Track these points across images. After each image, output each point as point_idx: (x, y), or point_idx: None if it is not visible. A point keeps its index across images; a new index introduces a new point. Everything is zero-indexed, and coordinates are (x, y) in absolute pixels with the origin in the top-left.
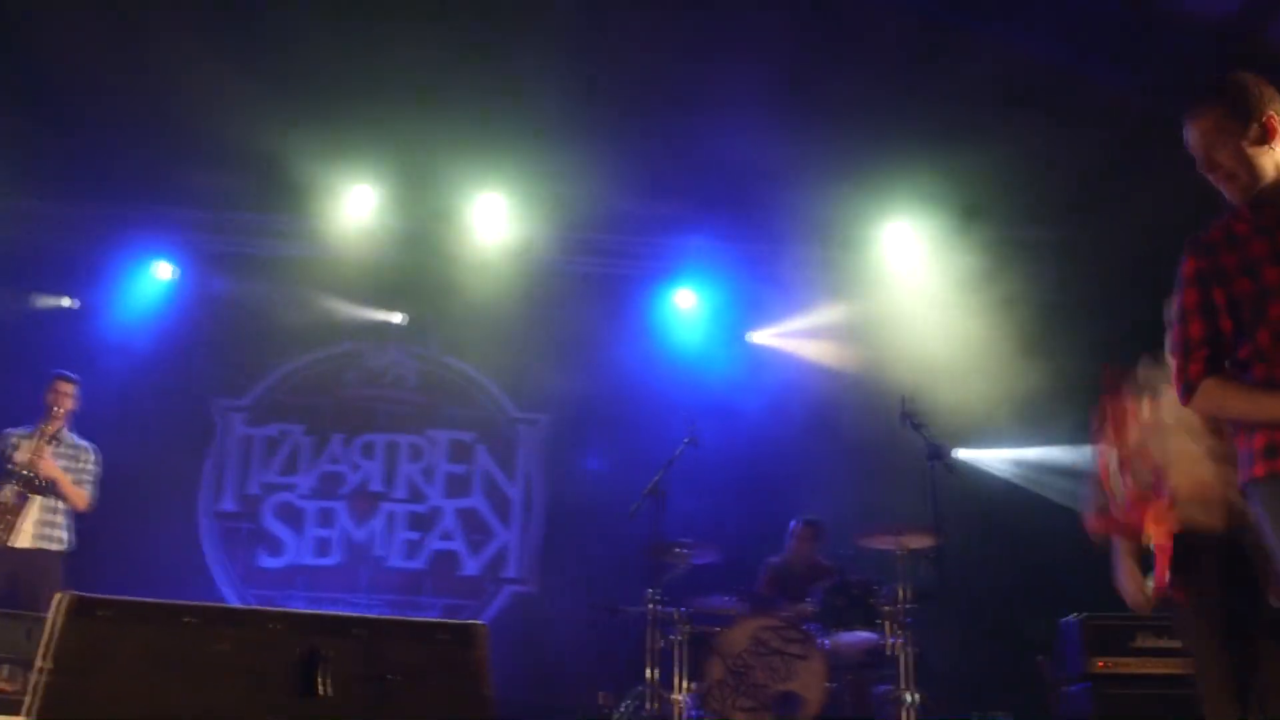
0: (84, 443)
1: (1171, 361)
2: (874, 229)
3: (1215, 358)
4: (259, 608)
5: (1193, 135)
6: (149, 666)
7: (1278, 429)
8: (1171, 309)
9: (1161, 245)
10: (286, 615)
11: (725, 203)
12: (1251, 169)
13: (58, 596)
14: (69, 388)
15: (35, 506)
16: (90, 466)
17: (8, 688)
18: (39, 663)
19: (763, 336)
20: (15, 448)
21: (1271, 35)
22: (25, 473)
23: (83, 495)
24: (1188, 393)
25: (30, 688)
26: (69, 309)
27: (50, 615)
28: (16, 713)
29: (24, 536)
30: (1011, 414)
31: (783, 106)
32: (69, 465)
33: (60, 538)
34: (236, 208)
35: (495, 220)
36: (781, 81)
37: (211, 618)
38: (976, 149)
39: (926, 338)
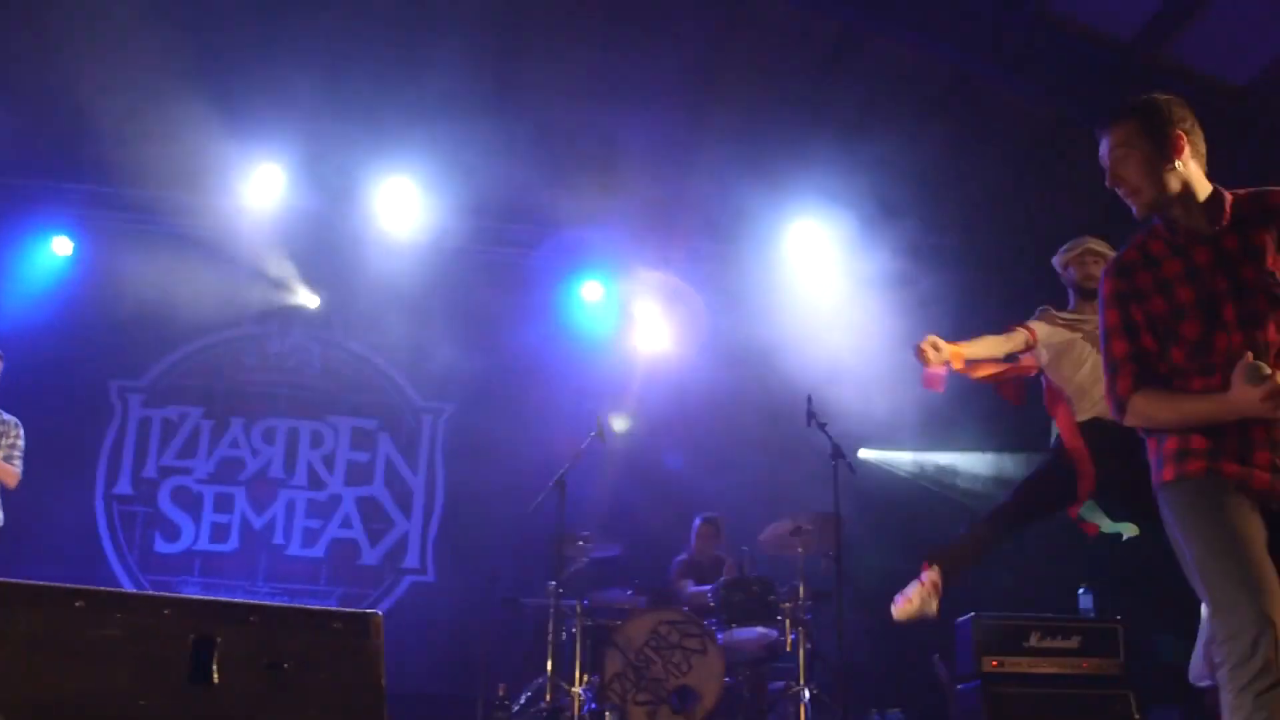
0: (9, 417)
1: (1105, 381)
2: (781, 226)
3: (1142, 373)
4: (152, 593)
5: (1103, 148)
6: (39, 651)
7: (1189, 434)
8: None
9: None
10: (179, 601)
11: (634, 196)
12: (1158, 185)
13: None
14: None
15: None
16: (18, 442)
17: None
18: None
19: (671, 331)
20: None
21: (1171, 52)
22: None
23: (10, 471)
24: (1120, 410)
25: None
26: None
27: None
28: None
29: None
30: (916, 417)
31: (693, 102)
32: None
33: None
34: (138, 184)
35: (403, 205)
36: (692, 77)
37: (102, 602)
38: (885, 151)
39: (833, 337)
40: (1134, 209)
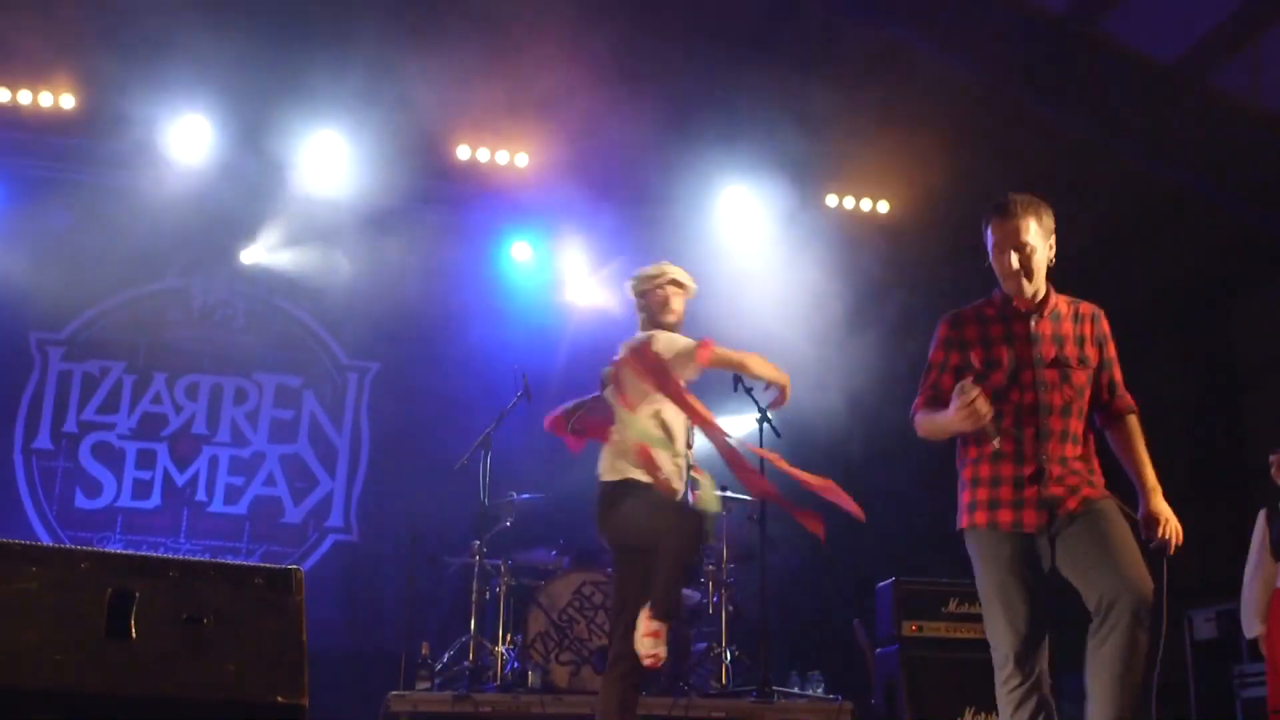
0: None
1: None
2: (710, 192)
3: (934, 400)
4: (69, 546)
5: (1027, 224)
6: None
7: (976, 489)
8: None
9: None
10: (96, 554)
11: (565, 156)
12: (1041, 276)
13: None
14: None
15: None
16: None
17: None
18: None
19: (595, 292)
20: None
21: (1101, 28)
22: None
23: None
24: (913, 420)
25: None
26: None
27: None
28: None
29: None
30: (840, 383)
31: (626, 61)
32: None
33: None
34: (61, 132)
35: (330, 160)
36: (624, 37)
37: (17, 555)
38: (817, 119)
39: (763, 304)
40: (1011, 283)
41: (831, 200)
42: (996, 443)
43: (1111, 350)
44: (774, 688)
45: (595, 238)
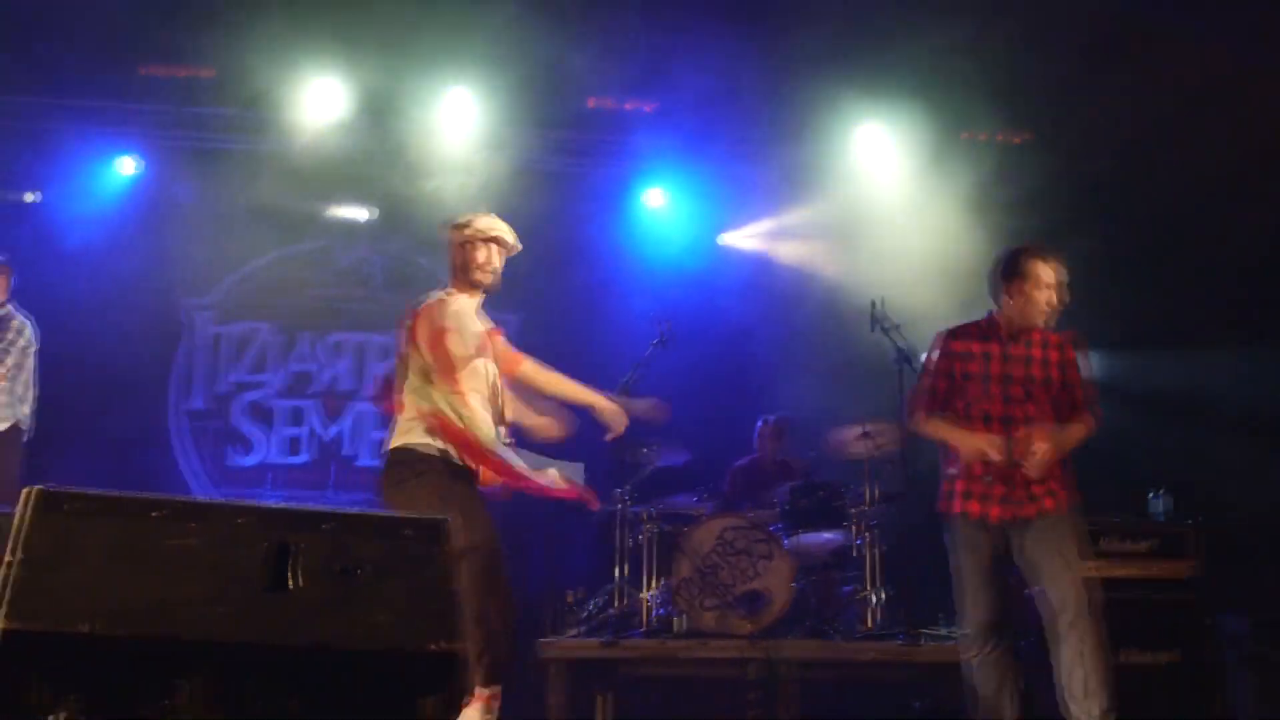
0: (14, 314)
1: (908, 403)
2: (848, 129)
3: (933, 403)
4: (227, 501)
5: (1063, 273)
6: (117, 560)
7: (955, 481)
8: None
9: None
10: (255, 509)
11: (697, 100)
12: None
13: (25, 491)
14: None
15: None
16: (18, 340)
17: None
18: (8, 556)
19: (733, 237)
20: None
21: None
22: None
23: None
24: (913, 422)
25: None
26: (31, 204)
27: (18, 509)
28: None
29: None
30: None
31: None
32: None
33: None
34: (200, 102)
35: (464, 116)
36: None
37: (180, 511)
38: (952, 51)
39: (900, 240)
40: (1036, 317)
41: (969, 134)
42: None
43: (1075, 373)
44: (921, 630)
45: (728, 182)
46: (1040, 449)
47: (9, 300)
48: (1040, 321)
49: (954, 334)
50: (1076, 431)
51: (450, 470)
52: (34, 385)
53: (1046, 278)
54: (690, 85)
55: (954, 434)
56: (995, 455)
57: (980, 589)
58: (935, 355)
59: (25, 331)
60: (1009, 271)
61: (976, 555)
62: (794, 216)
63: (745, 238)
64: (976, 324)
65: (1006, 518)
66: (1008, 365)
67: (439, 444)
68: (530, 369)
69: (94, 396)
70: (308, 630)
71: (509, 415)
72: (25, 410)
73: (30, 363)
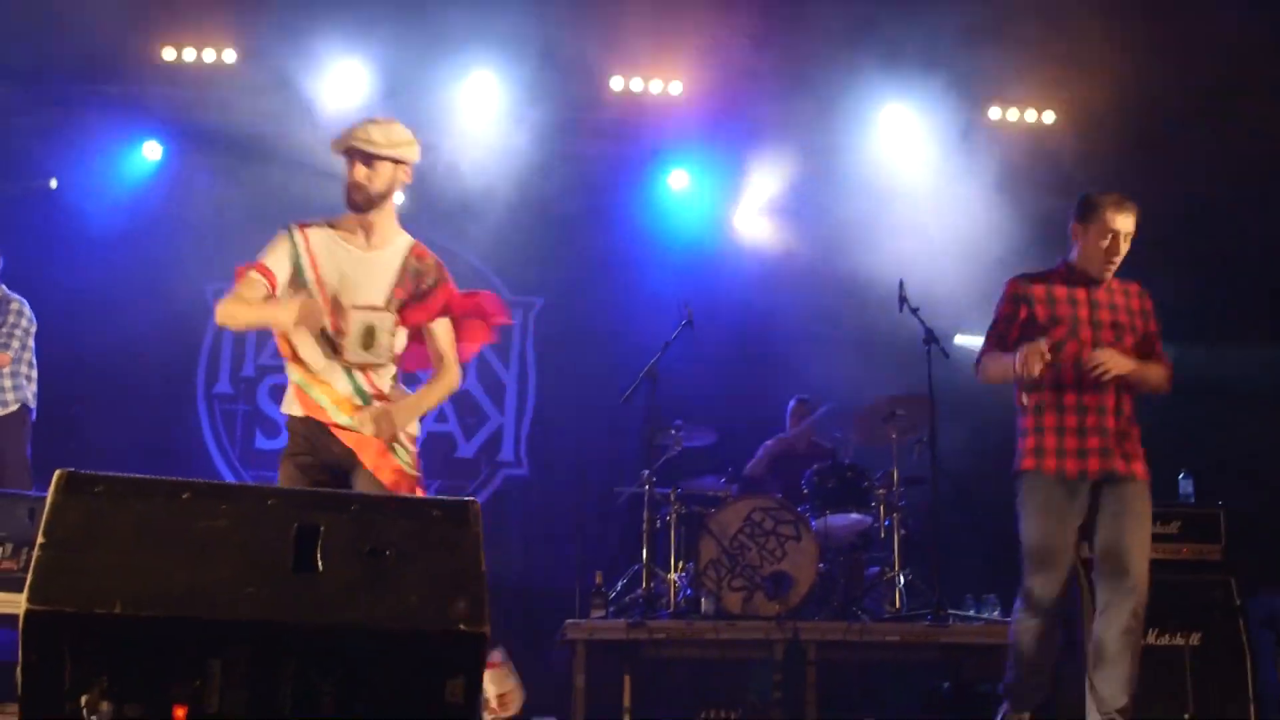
0: (11, 296)
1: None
2: (873, 108)
3: (995, 345)
4: (255, 484)
5: (1129, 224)
6: (145, 542)
7: (1040, 435)
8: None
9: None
10: (283, 491)
11: (720, 83)
12: None
13: (56, 473)
14: None
15: None
16: (21, 321)
17: (12, 566)
18: (38, 539)
19: (757, 217)
20: None
21: None
22: None
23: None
24: (976, 364)
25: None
26: (54, 190)
27: (49, 492)
28: (20, 590)
29: None
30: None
31: None
32: None
33: (4, 400)
34: (222, 86)
35: (486, 98)
36: None
37: (207, 493)
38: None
39: (927, 220)
40: (1104, 267)
41: (995, 113)
42: (1025, 398)
43: (1154, 324)
44: (948, 611)
45: (753, 163)
46: (1109, 354)
47: None
48: (1097, 270)
49: (1026, 279)
50: (1156, 370)
51: None
52: (34, 366)
53: (1115, 227)
54: (713, 66)
55: (1001, 360)
56: (1043, 348)
57: (1052, 555)
58: (1003, 304)
59: (25, 311)
60: (1080, 213)
61: (1056, 518)
62: (818, 197)
63: (768, 217)
64: (1054, 270)
65: (1104, 469)
66: (1096, 310)
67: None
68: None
69: (122, 382)
70: (336, 611)
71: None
72: (32, 391)
73: (31, 343)
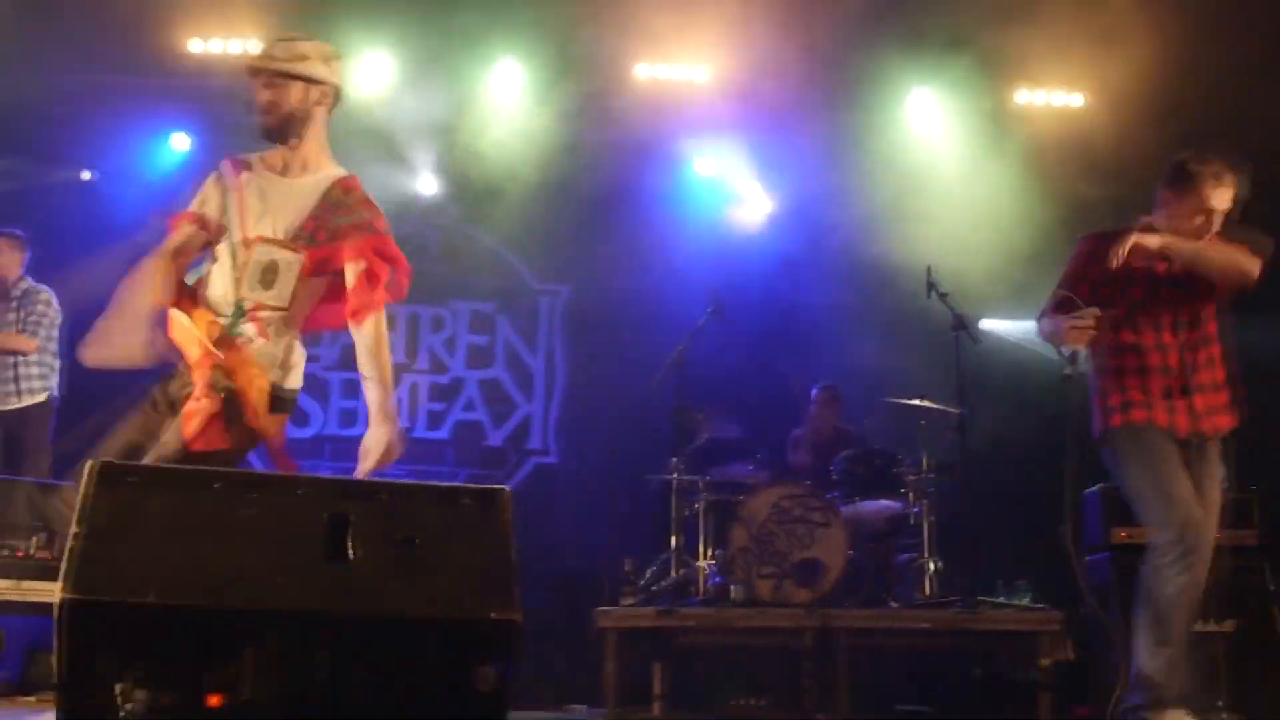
0: (39, 288)
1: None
2: (899, 93)
3: (1063, 306)
4: (286, 473)
5: (1231, 195)
6: (178, 532)
7: (1133, 390)
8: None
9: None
10: (313, 480)
11: (746, 69)
12: None
13: (88, 464)
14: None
15: None
16: (48, 310)
17: (46, 556)
18: (73, 529)
19: (785, 204)
20: None
21: None
22: None
23: (23, 340)
24: (1038, 320)
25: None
26: (87, 181)
27: (82, 482)
28: (56, 579)
29: None
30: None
31: None
32: (17, 317)
33: (32, 388)
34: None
35: (512, 86)
36: None
37: (239, 483)
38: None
39: (954, 205)
40: (1190, 234)
41: (1022, 96)
42: (1069, 369)
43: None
44: (980, 598)
45: (778, 149)
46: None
47: (25, 274)
48: (1200, 234)
49: (1103, 237)
50: (1219, 248)
51: None
52: (59, 356)
53: (1211, 204)
54: (738, 51)
55: (1060, 320)
56: (1084, 337)
57: (1173, 484)
58: (1074, 261)
59: (53, 302)
60: (1172, 181)
61: (1162, 455)
62: (844, 182)
63: (797, 203)
64: (1132, 229)
65: (1191, 430)
66: (1174, 267)
67: None
68: None
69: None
70: (368, 599)
71: None
72: (55, 381)
73: (56, 334)
